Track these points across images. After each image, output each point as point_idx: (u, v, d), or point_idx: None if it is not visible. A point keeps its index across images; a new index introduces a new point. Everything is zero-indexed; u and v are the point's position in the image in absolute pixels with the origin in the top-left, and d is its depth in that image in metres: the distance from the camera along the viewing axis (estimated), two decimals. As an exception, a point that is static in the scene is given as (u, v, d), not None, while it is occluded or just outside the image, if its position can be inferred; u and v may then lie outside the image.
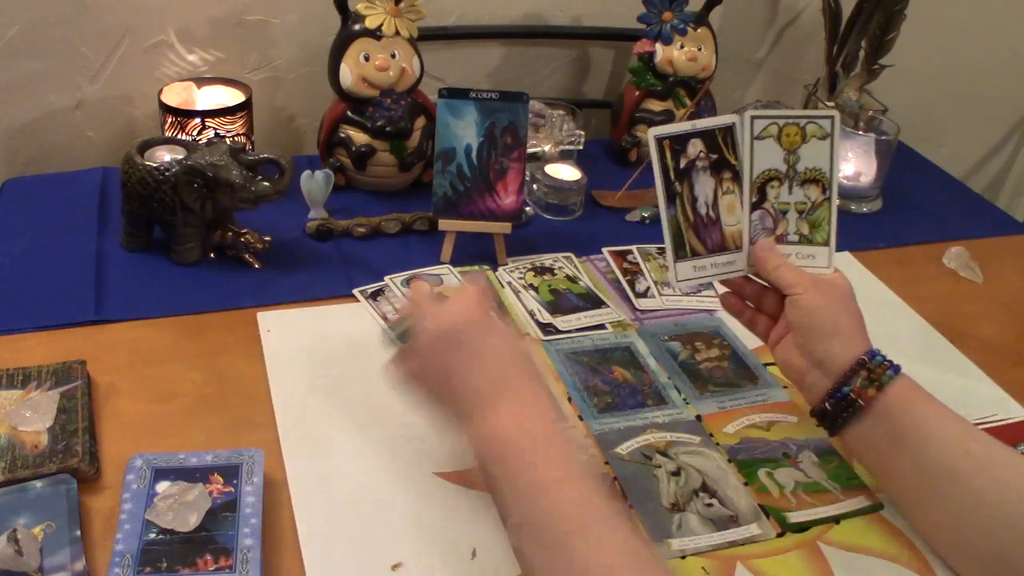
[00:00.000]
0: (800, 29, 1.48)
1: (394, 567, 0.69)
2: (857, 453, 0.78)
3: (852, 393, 0.72)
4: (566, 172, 1.16)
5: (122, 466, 0.73)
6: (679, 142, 0.77)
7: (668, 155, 0.77)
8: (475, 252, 1.05)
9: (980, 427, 0.84)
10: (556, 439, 0.65)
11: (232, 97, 1.17)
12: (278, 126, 1.30)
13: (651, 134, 0.76)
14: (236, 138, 1.13)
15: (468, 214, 1.02)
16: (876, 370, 0.72)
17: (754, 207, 0.79)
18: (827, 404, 0.74)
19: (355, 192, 1.16)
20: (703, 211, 0.78)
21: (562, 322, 0.96)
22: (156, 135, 1.09)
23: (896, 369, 0.73)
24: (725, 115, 0.78)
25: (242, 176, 0.95)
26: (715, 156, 0.78)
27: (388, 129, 1.11)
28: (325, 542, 0.70)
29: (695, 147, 0.77)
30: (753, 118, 0.77)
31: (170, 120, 1.12)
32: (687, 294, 0.99)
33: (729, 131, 0.78)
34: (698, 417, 0.86)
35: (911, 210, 1.26)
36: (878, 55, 1.31)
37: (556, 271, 1.04)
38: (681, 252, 0.78)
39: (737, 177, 0.78)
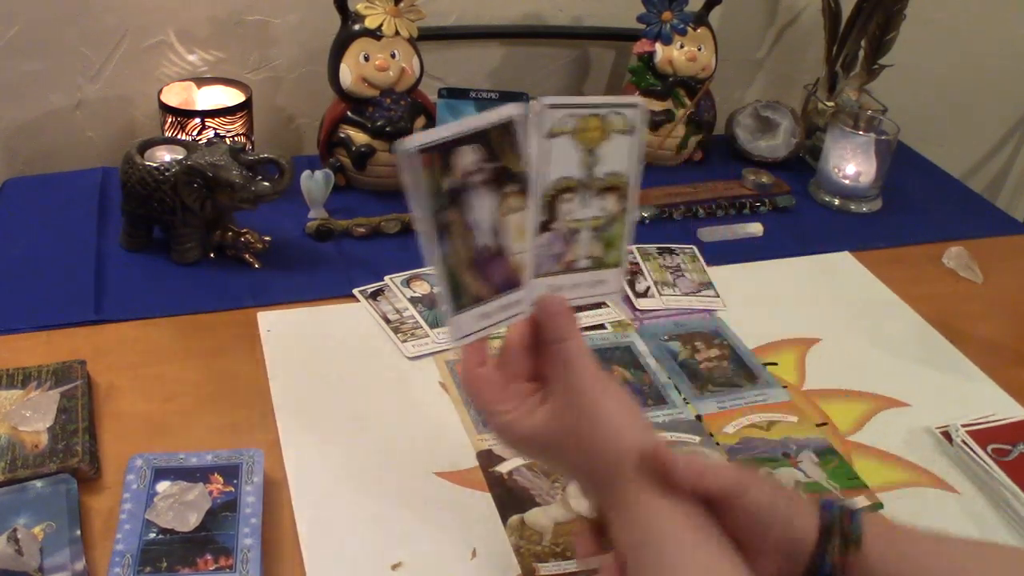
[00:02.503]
0: (800, 29, 1.48)
1: (394, 567, 0.69)
2: None
3: (834, 565, 0.57)
4: (566, 172, 1.16)
5: (122, 466, 0.73)
6: (444, 154, 0.55)
7: (433, 173, 0.55)
8: (475, 252, 1.05)
9: (978, 426, 0.85)
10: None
11: (232, 97, 1.17)
12: (278, 126, 1.30)
13: (406, 147, 0.54)
14: (236, 138, 1.13)
15: (468, 214, 1.02)
16: (842, 522, 0.57)
17: (542, 228, 0.60)
18: None
19: (355, 192, 1.16)
20: (484, 241, 0.58)
21: (562, 322, 0.96)
22: (156, 135, 1.09)
23: (853, 509, 0.58)
24: (507, 105, 0.58)
25: (242, 176, 0.95)
26: (495, 164, 0.57)
27: (388, 129, 1.11)
28: (325, 542, 0.71)
29: (467, 157, 0.56)
30: (546, 109, 0.58)
31: (170, 120, 1.12)
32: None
33: (510, 128, 0.58)
34: (698, 417, 0.86)
35: (911, 210, 1.26)
36: (878, 55, 1.31)
37: (556, 271, 1.04)
38: (460, 301, 0.58)
39: (525, 189, 0.59)
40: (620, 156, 0.62)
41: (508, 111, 0.57)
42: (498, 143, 0.57)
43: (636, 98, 0.62)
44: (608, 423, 0.57)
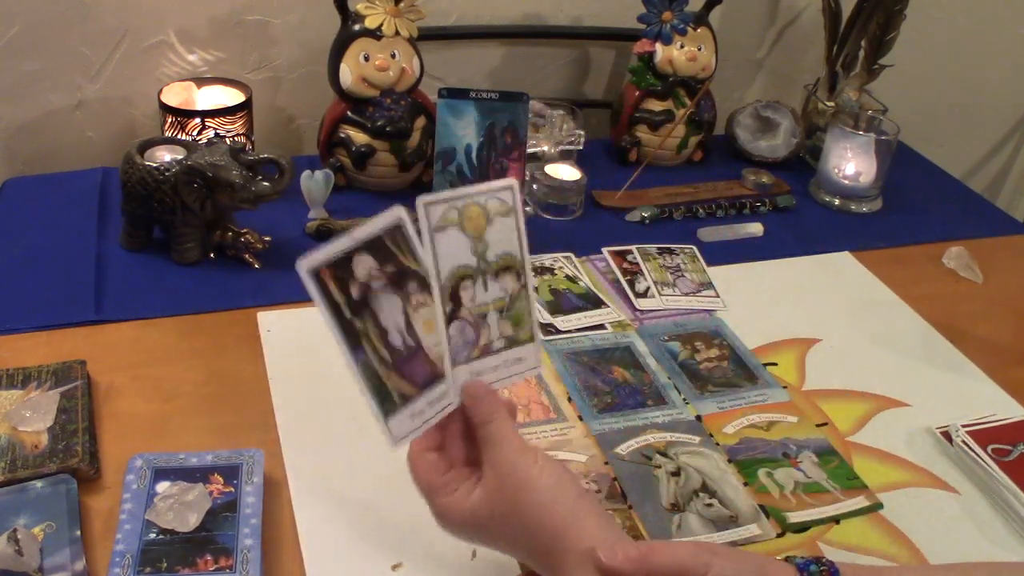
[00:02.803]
0: (800, 29, 1.48)
1: (394, 567, 0.69)
2: None
3: None
4: (566, 172, 1.16)
5: (122, 466, 0.73)
6: (340, 267, 0.58)
7: (333, 288, 0.58)
8: (475, 252, 1.05)
9: (978, 426, 0.85)
10: None
11: (232, 97, 1.17)
12: (278, 126, 1.30)
13: (302, 269, 0.56)
14: (236, 138, 1.13)
15: (468, 214, 1.02)
16: None
17: (450, 318, 0.61)
18: None
19: (355, 192, 1.16)
20: (399, 342, 0.60)
21: (562, 322, 0.96)
22: (156, 135, 1.09)
23: (832, 564, 0.57)
24: (389, 211, 0.60)
25: (242, 176, 0.95)
26: (391, 268, 0.60)
27: (388, 129, 1.11)
28: (325, 542, 0.71)
29: (363, 265, 0.59)
30: (427, 206, 0.60)
31: (170, 120, 1.12)
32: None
33: (398, 231, 0.60)
34: (698, 417, 0.86)
35: (911, 210, 1.26)
36: (878, 55, 1.31)
37: (556, 271, 1.04)
38: (389, 405, 0.60)
39: (425, 284, 0.61)
40: (506, 237, 0.64)
41: (392, 215, 0.59)
42: (392, 244, 0.60)
43: (508, 180, 0.64)
44: (541, 496, 0.57)
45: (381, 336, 0.60)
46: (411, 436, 0.61)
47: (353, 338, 0.59)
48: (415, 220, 0.60)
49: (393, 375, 0.60)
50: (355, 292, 0.58)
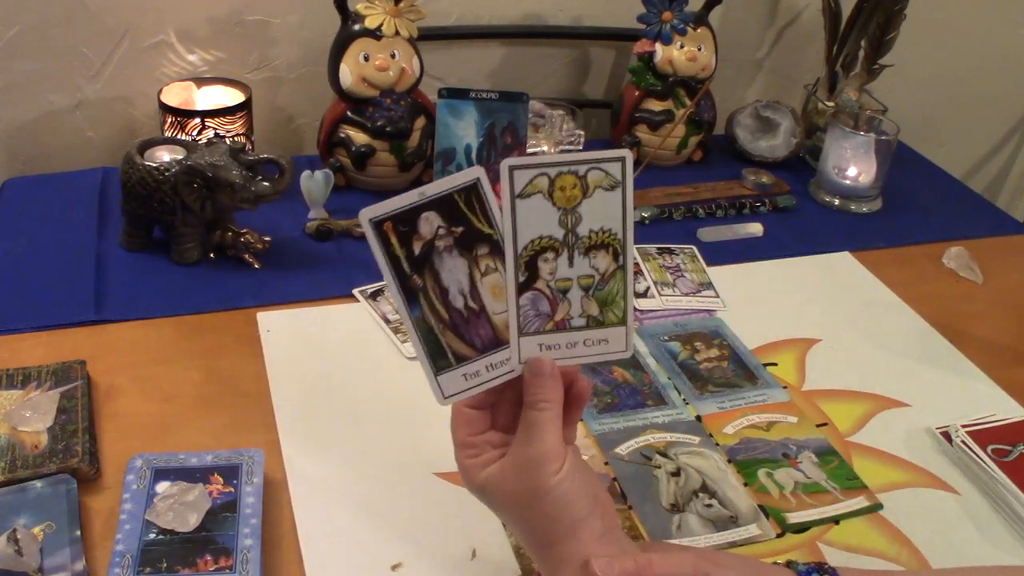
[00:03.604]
0: (800, 29, 1.48)
1: (394, 567, 0.69)
2: None
3: None
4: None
5: (122, 466, 0.73)
6: (405, 221, 0.57)
7: (394, 241, 0.57)
8: (475, 252, 1.05)
9: (978, 427, 0.85)
10: None
11: (232, 97, 1.17)
12: (278, 126, 1.30)
13: (364, 218, 0.56)
14: (236, 138, 1.13)
15: (468, 214, 1.02)
16: None
17: (523, 288, 0.59)
18: None
19: (355, 192, 1.16)
20: (460, 304, 0.59)
21: (562, 322, 0.96)
22: (156, 135, 1.09)
23: (832, 568, 0.58)
24: (466, 170, 0.58)
25: (242, 176, 0.95)
26: (460, 229, 0.58)
27: (388, 129, 1.11)
28: (325, 542, 0.71)
29: (429, 223, 0.57)
30: (512, 169, 0.56)
31: (170, 120, 1.12)
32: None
33: (473, 191, 0.57)
34: (698, 417, 0.86)
35: (911, 210, 1.26)
36: (878, 55, 1.31)
37: (556, 271, 1.04)
38: (442, 362, 0.59)
39: (497, 249, 0.58)
40: (607, 212, 0.59)
41: (469, 175, 0.57)
42: (464, 204, 0.58)
43: (620, 151, 0.58)
44: (546, 506, 0.56)
45: (440, 295, 0.59)
46: (463, 395, 0.60)
47: (410, 293, 0.58)
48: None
49: (449, 334, 0.59)
50: (417, 248, 0.58)
